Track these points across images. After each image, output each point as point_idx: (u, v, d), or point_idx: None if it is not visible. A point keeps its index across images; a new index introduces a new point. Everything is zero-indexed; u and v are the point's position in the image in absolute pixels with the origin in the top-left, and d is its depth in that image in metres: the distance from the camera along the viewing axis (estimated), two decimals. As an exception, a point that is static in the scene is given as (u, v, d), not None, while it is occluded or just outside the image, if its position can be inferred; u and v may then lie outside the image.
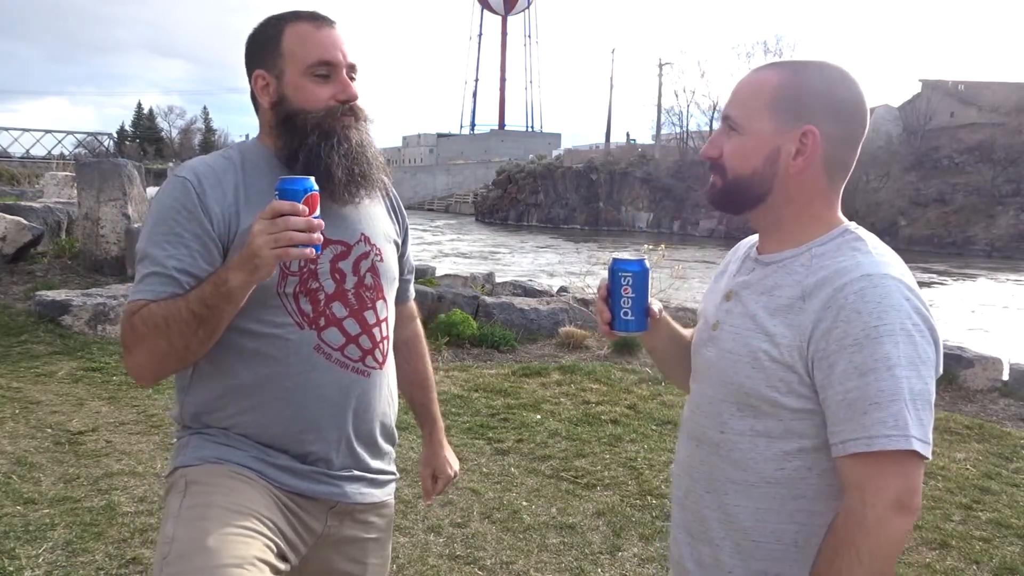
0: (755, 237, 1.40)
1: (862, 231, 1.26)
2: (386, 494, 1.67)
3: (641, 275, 1.35)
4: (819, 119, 1.21)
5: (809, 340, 1.17)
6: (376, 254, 1.58)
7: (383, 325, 1.59)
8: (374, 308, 1.57)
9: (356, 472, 1.57)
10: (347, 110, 1.50)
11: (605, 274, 1.40)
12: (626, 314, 1.36)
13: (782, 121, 1.22)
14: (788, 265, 1.25)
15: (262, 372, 1.47)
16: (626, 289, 1.35)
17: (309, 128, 1.47)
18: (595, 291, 1.44)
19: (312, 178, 1.33)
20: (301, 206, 1.28)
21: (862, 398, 1.12)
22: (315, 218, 1.30)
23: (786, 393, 1.20)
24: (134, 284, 1.45)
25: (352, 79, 1.52)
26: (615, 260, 1.37)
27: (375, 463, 1.61)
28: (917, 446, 1.11)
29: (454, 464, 1.90)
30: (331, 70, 1.49)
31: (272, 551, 1.36)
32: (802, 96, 1.22)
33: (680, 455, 1.41)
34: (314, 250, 1.30)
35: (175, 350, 1.39)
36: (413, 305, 1.88)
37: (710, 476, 1.30)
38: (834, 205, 1.28)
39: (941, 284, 23.70)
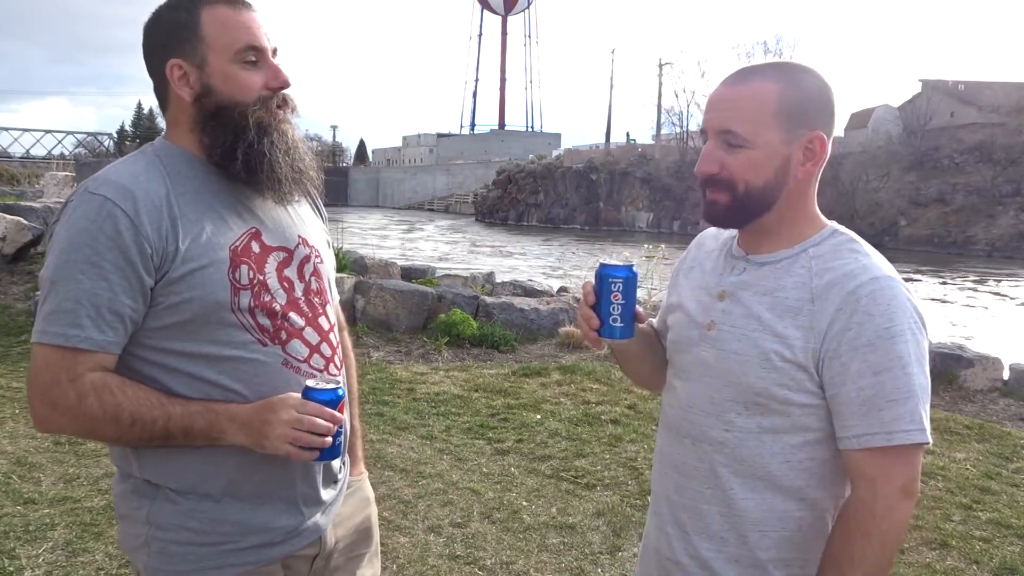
0: (725, 232, 1.42)
1: (851, 232, 1.31)
2: (347, 484, 1.58)
3: (631, 281, 1.31)
4: (820, 123, 1.25)
5: (822, 341, 1.21)
6: (316, 256, 1.49)
7: (335, 330, 1.51)
8: (325, 314, 1.48)
9: (328, 492, 1.49)
10: (280, 100, 1.40)
11: (590, 279, 1.35)
12: (615, 320, 1.31)
13: (789, 130, 1.24)
14: (787, 266, 1.28)
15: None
16: (616, 296, 1.30)
17: (245, 123, 1.34)
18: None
19: (343, 385, 1.32)
20: (338, 415, 1.29)
21: (879, 395, 1.18)
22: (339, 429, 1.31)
23: (796, 391, 1.24)
24: (41, 318, 1.26)
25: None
26: (604, 266, 1.32)
27: (340, 473, 1.54)
28: (929, 437, 1.20)
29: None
30: (259, 55, 1.37)
31: None
32: (804, 103, 1.24)
33: (667, 452, 1.41)
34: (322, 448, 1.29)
35: (122, 440, 1.31)
36: (339, 310, 1.70)
37: (711, 473, 1.31)
38: (816, 201, 1.33)
39: (941, 284, 23.69)
